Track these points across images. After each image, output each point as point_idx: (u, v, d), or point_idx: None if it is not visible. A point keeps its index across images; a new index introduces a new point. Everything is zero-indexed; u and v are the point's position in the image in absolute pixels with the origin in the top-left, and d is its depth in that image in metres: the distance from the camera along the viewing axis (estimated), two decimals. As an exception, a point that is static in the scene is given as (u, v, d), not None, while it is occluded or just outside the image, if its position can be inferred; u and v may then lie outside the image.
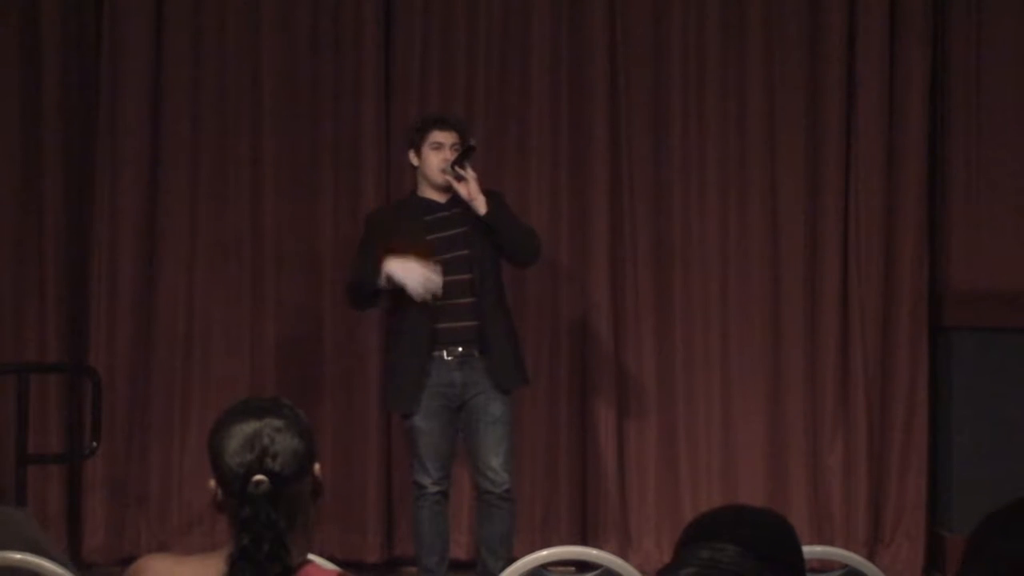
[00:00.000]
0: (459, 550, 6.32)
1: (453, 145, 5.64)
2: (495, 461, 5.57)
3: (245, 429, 2.52)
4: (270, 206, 6.88)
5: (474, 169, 5.70)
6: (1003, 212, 6.74)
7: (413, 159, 5.72)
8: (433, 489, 5.60)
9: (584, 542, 6.45)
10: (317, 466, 2.58)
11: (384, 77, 6.91)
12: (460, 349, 5.59)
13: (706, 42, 6.88)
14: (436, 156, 5.64)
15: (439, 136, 5.65)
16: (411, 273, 5.48)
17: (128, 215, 6.86)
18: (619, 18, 6.88)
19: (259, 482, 2.47)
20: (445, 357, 5.58)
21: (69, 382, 6.82)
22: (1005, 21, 6.76)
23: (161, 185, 6.90)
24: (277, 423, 2.53)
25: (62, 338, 6.84)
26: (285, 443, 2.52)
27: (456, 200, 5.64)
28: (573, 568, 5.42)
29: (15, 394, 6.18)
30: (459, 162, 5.59)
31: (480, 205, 5.56)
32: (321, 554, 3.41)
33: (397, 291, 5.56)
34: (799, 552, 2.10)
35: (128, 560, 5.58)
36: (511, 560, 5.50)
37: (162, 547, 6.64)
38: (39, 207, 6.82)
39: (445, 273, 5.57)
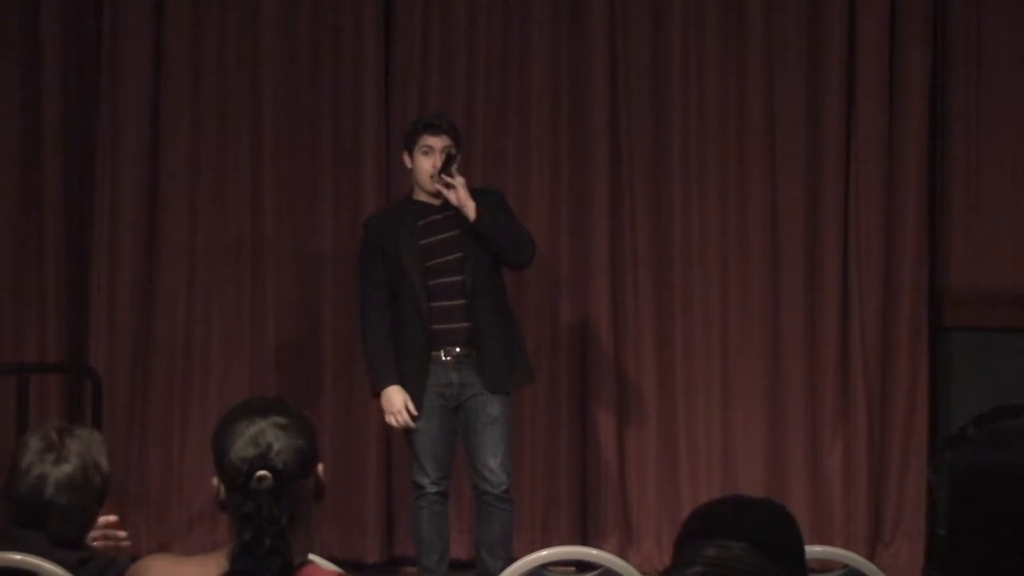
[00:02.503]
0: (459, 550, 6.32)
1: (444, 149, 5.60)
2: (493, 461, 5.57)
3: (249, 426, 2.54)
4: (270, 206, 6.88)
5: (475, 169, 5.72)
6: (1003, 212, 6.74)
7: (407, 161, 5.72)
8: (432, 489, 5.59)
9: (584, 542, 6.45)
10: (320, 467, 2.60)
11: (384, 77, 6.91)
12: (458, 350, 5.60)
13: (706, 42, 6.87)
14: (426, 161, 5.61)
15: (429, 140, 5.62)
16: (389, 406, 5.57)
17: (128, 216, 6.86)
18: (619, 18, 6.88)
19: (262, 478, 2.49)
20: (443, 357, 5.58)
21: (69, 382, 6.82)
22: (1005, 21, 6.76)
23: (161, 186, 6.90)
24: (281, 421, 2.56)
25: (62, 338, 6.84)
26: (288, 441, 2.54)
27: (450, 203, 5.64)
28: (573, 568, 5.40)
29: (15, 394, 6.18)
30: (444, 170, 5.56)
31: (469, 211, 5.53)
32: (321, 554, 3.41)
33: (393, 294, 5.63)
34: (800, 539, 2.10)
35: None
36: (510, 560, 5.50)
37: (162, 547, 6.64)
38: (39, 207, 6.82)
39: (439, 276, 5.60)
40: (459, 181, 5.55)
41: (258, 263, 6.89)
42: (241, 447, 2.51)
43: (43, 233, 6.81)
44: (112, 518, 3.50)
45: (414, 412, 5.53)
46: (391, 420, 5.56)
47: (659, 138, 6.89)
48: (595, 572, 3.65)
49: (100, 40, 6.89)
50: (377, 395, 5.62)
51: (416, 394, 5.57)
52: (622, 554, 6.14)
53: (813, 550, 2.17)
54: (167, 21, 6.90)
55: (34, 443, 3.31)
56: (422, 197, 5.71)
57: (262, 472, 2.49)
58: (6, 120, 6.82)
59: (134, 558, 2.84)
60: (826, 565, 3.71)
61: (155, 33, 6.90)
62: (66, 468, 3.27)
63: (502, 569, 5.56)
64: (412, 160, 5.67)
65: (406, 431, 5.61)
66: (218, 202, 6.91)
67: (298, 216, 6.90)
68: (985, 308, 6.68)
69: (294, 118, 6.91)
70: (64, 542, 3.27)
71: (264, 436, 2.52)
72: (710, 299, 6.85)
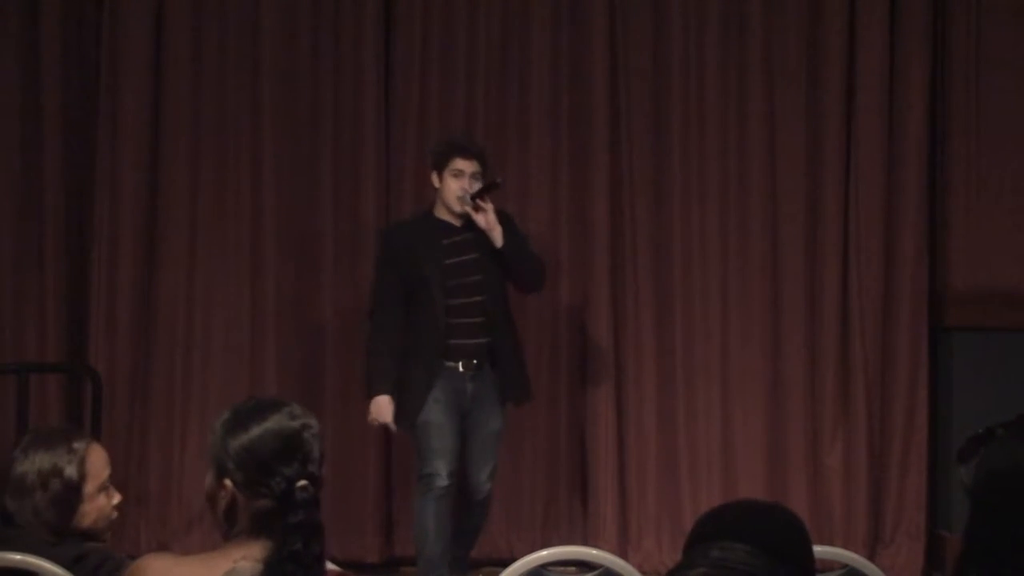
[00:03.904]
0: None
1: (473, 173, 5.78)
2: (482, 475, 5.83)
3: (284, 431, 2.53)
4: (270, 207, 6.88)
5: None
6: (1003, 212, 6.74)
7: (435, 181, 5.85)
8: (442, 483, 5.70)
9: (584, 542, 6.45)
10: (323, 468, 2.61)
11: (384, 77, 6.92)
12: (475, 362, 5.76)
13: (706, 42, 6.88)
14: (456, 183, 5.78)
15: (461, 164, 5.79)
16: (377, 413, 5.79)
17: (128, 215, 6.86)
18: (619, 18, 6.88)
19: (305, 487, 2.49)
20: (460, 369, 5.75)
21: (69, 382, 6.81)
22: (1005, 21, 6.76)
23: (161, 185, 6.89)
24: (313, 427, 2.57)
25: (62, 338, 6.84)
26: (319, 447, 2.56)
27: (471, 224, 5.79)
28: (573, 568, 5.41)
29: (15, 394, 6.18)
30: (480, 195, 5.74)
31: (497, 237, 5.75)
32: (321, 554, 3.40)
33: (410, 308, 5.77)
34: (809, 547, 2.09)
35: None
36: (469, 548, 5.91)
37: (162, 547, 6.64)
38: (39, 207, 6.82)
39: (458, 295, 5.77)
40: (489, 207, 5.74)
41: (258, 264, 6.89)
42: (281, 453, 2.51)
43: (43, 234, 6.81)
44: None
45: (393, 428, 5.84)
46: (373, 423, 5.82)
47: (659, 138, 6.89)
48: (595, 572, 3.64)
49: (100, 40, 6.88)
50: (369, 399, 5.80)
51: (421, 403, 5.72)
52: (622, 554, 6.14)
53: (813, 550, 2.15)
54: (167, 21, 6.90)
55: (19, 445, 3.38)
56: (444, 216, 5.86)
57: (304, 482, 2.49)
58: (6, 120, 6.82)
59: (133, 558, 2.83)
60: (826, 565, 3.70)
61: (155, 33, 6.89)
62: (18, 470, 3.32)
63: (464, 555, 5.85)
64: (440, 180, 5.81)
65: (413, 427, 5.77)
66: (218, 203, 6.91)
67: (298, 217, 6.90)
68: (985, 308, 6.67)
69: (294, 119, 6.91)
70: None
71: (303, 443, 2.53)
72: (710, 299, 6.85)
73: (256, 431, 2.54)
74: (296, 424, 2.55)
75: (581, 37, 6.88)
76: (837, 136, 6.84)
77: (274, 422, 2.55)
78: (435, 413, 5.71)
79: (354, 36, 6.90)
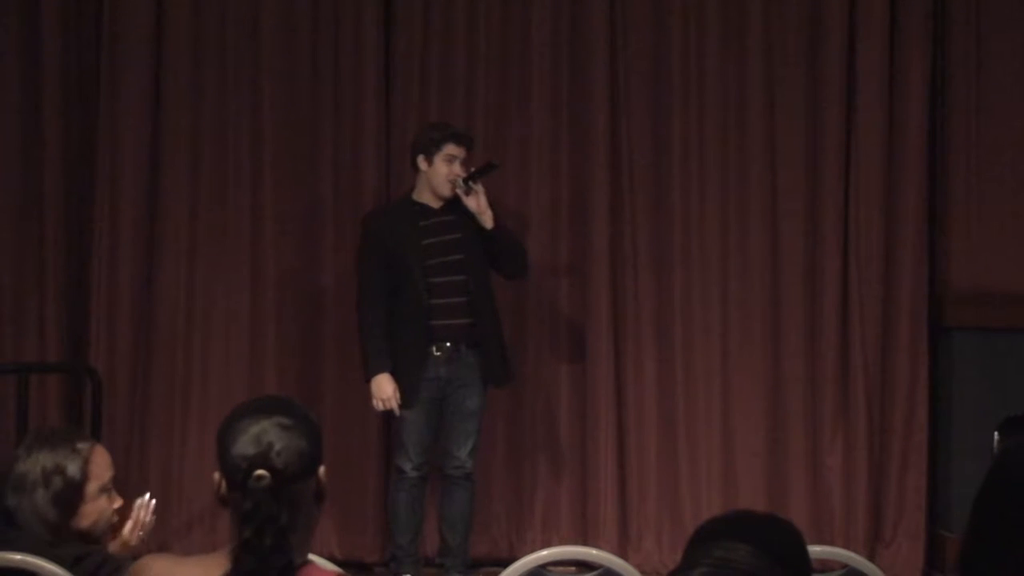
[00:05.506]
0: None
1: (463, 160, 5.88)
2: (461, 451, 5.97)
3: (253, 425, 2.53)
4: (270, 206, 6.88)
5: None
6: (1003, 212, 6.75)
7: (422, 164, 5.91)
8: (412, 474, 5.95)
9: (584, 542, 6.46)
10: (322, 469, 2.59)
11: (384, 76, 6.92)
12: (448, 345, 5.88)
13: (706, 42, 6.88)
14: (447, 168, 5.88)
15: (454, 150, 5.91)
16: (379, 392, 5.87)
17: (128, 215, 6.86)
18: (619, 18, 6.88)
19: (260, 476, 2.47)
20: (434, 353, 5.88)
21: (69, 382, 6.82)
22: (1005, 21, 6.77)
23: (161, 185, 6.89)
24: (285, 421, 2.54)
25: (62, 338, 6.84)
26: (291, 441, 2.52)
27: (451, 205, 5.89)
28: (573, 568, 5.43)
29: (15, 394, 6.18)
30: (474, 177, 5.83)
31: (487, 219, 5.84)
32: (321, 554, 3.41)
33: (392, 290, 5.87)
34: (807, 557, 2.10)
35: (128, 560, 5.57)
36: (467, 536, 6.00)
37: (162, 547, 6.63)
38: (39, 207, 6.82)
39: (440, 275, 5.87)
40: (480, 189, 5.84)
41: (258, 263, 6.89)
42: (243, 445, 2.50)
43: (43, 233, 6.81)
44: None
45: (399, 402, 5.85)
46: (377, 405, 5.90)
47: (659, 138, 6.89)
48: (595, 572, 3.65)
49: (100, 40, 6.88)
50: (369, 381, 5.91)
51: (412, 387, 5.86)
52: (622, 554, 6.15)
53: (813, 550, 2.16)
54: (167, 21, 6.90)
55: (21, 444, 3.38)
56: (424, 198, 5.95)
57: (260, 471, 2.47)
58: (6, 121, 6.82)
59: (134, 558, 2.83)
60: (826, 565, 3.70)
61: (155, 32, 6.89)
62: (20, 468, 3.31)
63: (460, 544, 5.92)
64: (429, 163, 5.89)
65: (396, 417, 5.94)
66: (218, 203, 6.91)
67: (298, 215, 6.90)
68: (985, 308, 6.67)
69: (294, 117, 6.91)
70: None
71: (266, 435, 2.51)
72: (710, 299, 6.85)
73: (233, 423, 2.54)
74: (268, 419, 2.54)
75: (581, 36, 6.88)
76: (837, 136, 6.84)
77: (249, 413, 2.55)
78: (409, 402, 5.87)
79: (354, 36, 6.90)
